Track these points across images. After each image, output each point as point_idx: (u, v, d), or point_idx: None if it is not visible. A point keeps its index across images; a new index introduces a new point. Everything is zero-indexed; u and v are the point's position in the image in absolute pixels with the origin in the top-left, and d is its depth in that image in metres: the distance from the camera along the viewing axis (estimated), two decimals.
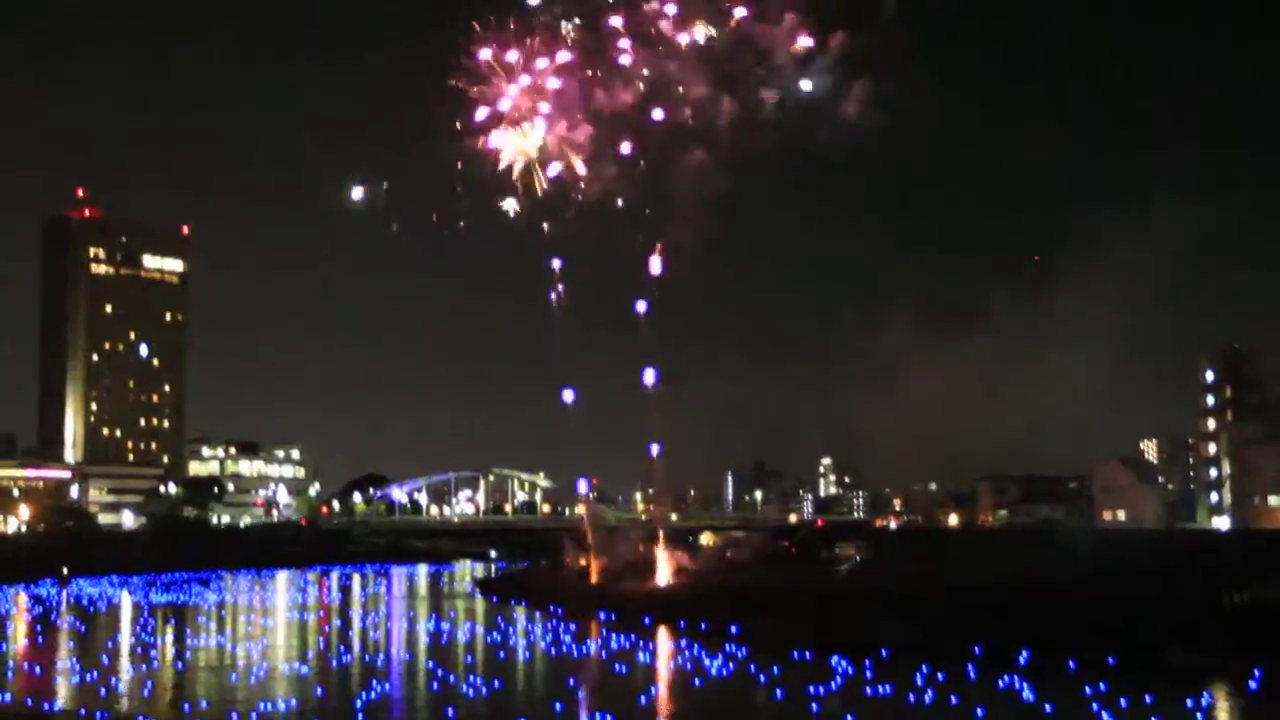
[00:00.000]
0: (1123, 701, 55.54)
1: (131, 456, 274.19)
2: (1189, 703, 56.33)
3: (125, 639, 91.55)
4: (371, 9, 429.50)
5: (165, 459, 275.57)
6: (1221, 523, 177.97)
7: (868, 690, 60.74)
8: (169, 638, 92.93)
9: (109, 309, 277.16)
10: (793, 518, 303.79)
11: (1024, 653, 69.04)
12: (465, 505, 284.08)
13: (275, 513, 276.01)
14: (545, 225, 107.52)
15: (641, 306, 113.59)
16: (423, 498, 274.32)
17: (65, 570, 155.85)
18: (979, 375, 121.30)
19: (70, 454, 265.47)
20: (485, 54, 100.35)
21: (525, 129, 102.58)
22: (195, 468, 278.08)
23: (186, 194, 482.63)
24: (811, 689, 59.96)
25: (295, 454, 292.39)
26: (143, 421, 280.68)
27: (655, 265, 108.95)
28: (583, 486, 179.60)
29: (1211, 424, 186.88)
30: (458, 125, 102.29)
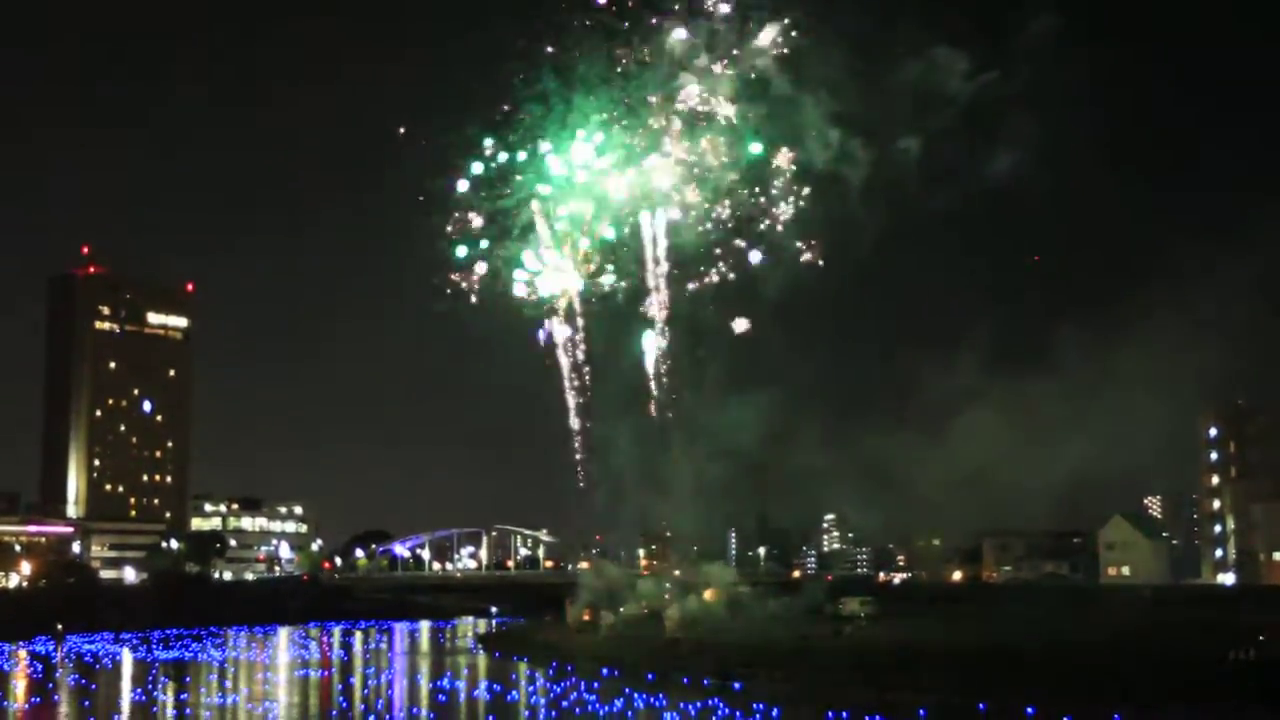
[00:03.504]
0: None
1: (134, 512, 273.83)
2: None
3: (125, 700, 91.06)
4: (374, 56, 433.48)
5: (167, 515, 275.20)
6: (1226, 578, 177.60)
7: None
8: (170, 698, 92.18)
9: (113, 365, 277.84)
10: (795, 574, 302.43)
11: (1029, 709, 68.83)
12: (468, 561, 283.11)
13: (277, 568, 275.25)
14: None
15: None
16: (425, 553, 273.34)
17: (60, 627, 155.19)
18: (1010, 428, 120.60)
19: (73, 510, 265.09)
20: None
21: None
22: (197, 523, 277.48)
23: (191, 251, 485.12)
24: None
25: (298, 510, 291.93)
26: (145, 477, 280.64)
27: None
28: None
29: (1215, 480, 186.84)
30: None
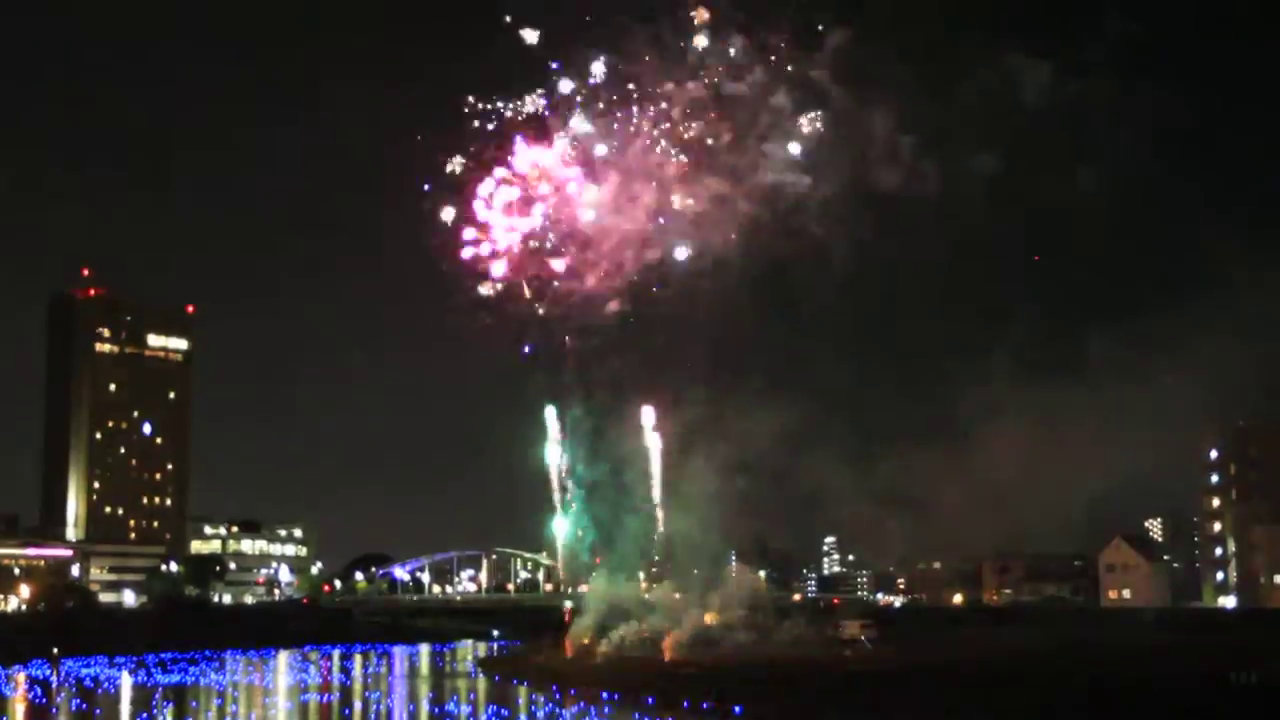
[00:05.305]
0: None
1: (133, 535, 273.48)
2: None
3: None
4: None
5: (167, 537, 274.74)
6: (1227, 601, 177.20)
7: None
8: None
9: (113, 387, 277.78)
10: (796, 597, 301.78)
11: None
12: (468, 584, 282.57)
13: (277, 591, 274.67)
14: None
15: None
16: (425, 576, 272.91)
17: (55, 650, 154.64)
18: (1031, 449, 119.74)
19: (72, 532, 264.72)
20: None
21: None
22: (197, 546, 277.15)
23: (191, 273, 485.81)
24: None
25: (297, 532, 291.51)
26: (145, 500, 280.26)
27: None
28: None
29: (1216, 502, 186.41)
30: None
